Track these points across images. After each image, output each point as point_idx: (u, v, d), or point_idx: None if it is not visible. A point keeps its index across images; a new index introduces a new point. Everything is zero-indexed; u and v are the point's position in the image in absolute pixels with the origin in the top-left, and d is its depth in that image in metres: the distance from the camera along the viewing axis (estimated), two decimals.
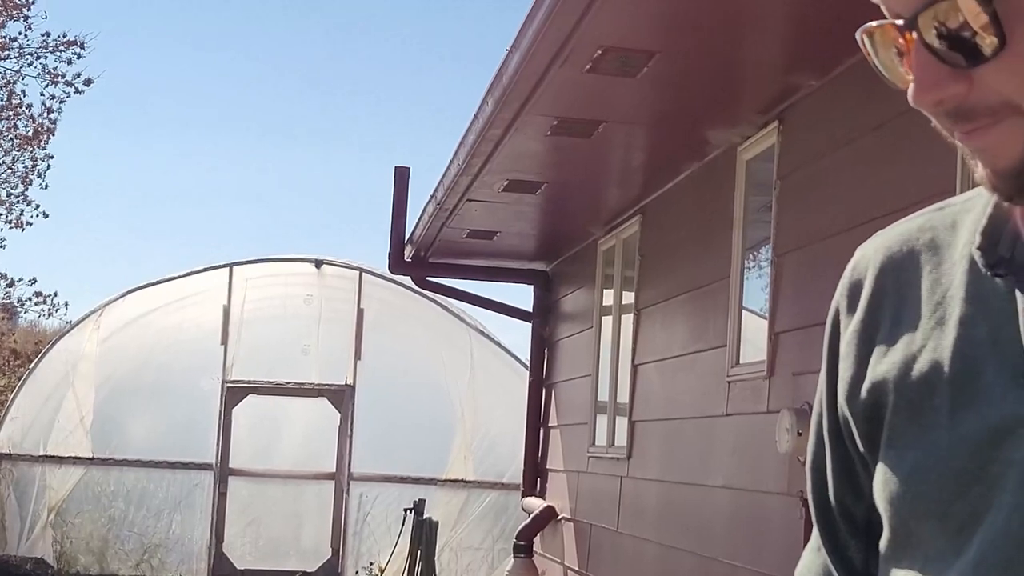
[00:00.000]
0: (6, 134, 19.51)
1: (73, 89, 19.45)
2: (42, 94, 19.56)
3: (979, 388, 1.11)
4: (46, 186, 19.99)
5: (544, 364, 10.94)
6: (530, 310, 11.07)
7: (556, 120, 6.34)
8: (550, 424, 10.63)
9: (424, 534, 10.85)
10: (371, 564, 12.39)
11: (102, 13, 35.64)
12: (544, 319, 10.89)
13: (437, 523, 11.13)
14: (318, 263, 13.50)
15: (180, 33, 41.07)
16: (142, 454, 12.89)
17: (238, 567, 12.82)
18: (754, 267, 6.41)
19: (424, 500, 11.31)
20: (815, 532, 1.34)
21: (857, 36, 1.11)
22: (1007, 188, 1.08)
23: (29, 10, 19.25)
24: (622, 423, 8.19)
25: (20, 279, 20.24)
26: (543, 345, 10.97)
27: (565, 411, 10.16)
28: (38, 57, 19.40)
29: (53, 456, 12.79)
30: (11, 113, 19.41)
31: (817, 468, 1.32)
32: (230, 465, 12.93)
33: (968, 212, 1.20)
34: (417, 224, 9.54)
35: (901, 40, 1.08)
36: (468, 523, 12.84)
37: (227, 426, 12.95)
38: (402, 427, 12.94)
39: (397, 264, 10.18)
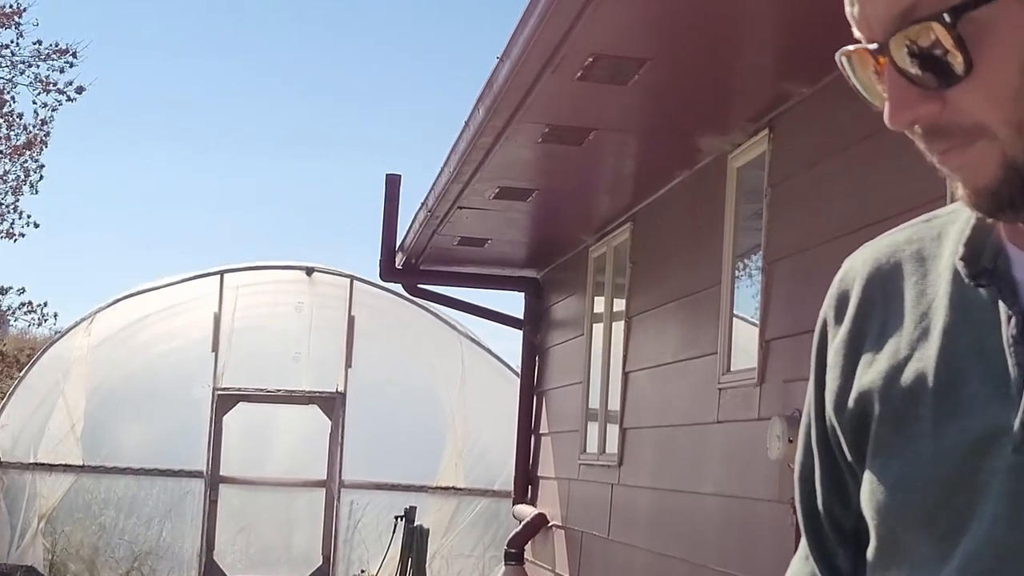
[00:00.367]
0: None
1: (65, 97, 19.44)
2: (34, 102, 19.55)
3: (963, 398, 1.12)
4: (36, 193, 19.98)
5: (535, 371, 10.94)
6: (521, 317, 11.07)
7: (547, 127, 6.35)
8: (541, 431, 10.63)
9: (415, 541, 10.83)
10: (362, 572, 12.37)
11: (92, 22, 35.62)
12: (535, 326, 10.90)
13: (428, 530, 11.12)
14: (309, 271, 13.48)
15: (170, 41, 41.06)
16: (133, 462, 12.85)
17: (229, 575, 12.79)
18: (745, 274, 6.42)
19: (415, 507, 11.29)
20: (803, 541, 1.35)
21: (836, 58, 1.13)
22: (986, 206, 1.10)
23: (20, 17, 19.23)
24: (613, 430, 8.19)
25: (10, 288, 20.23)
26: (534, 352, 10.97)
27: (556, 418, 10.16)
28: (30, 65, 19.38)
29: (44, 464, 12.75)
30: (2, 122, 19.39)
31: (805, 478, 1.33)
32: (221, 473, 12.90)
33: (953, 223, 1.21)
34: (408, 231, 9.54)
35: (875, 63, 1.09)
36: (459, 530, 12.83)
37: (218, 434, 12.92)
38: (393, 434, 12.92)
39: (388, 271, 10.18)
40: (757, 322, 5.91)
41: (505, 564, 10.23)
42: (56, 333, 16.89)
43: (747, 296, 6.30)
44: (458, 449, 12.97)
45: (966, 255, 1.16)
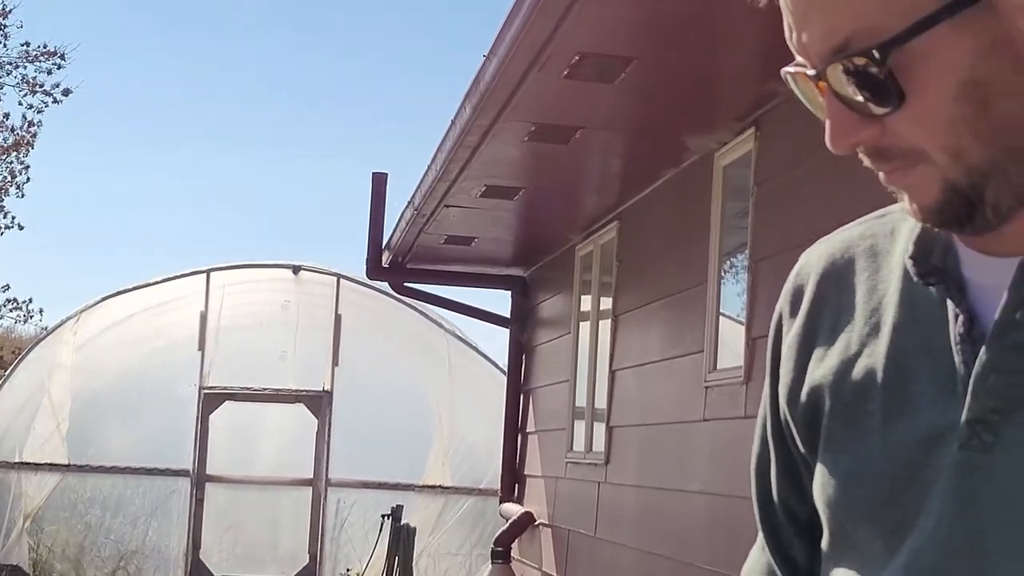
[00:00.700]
0: None
1: (51, 99, 19.38)
2: (20, 103, 19.50)
3: (911, 395, 1.13)
4: (23, 196, 19.92)
5: (522, 370, 10.94)
6: (508, 316, 11.07)
7: (534, 126, 6.35)
8: (528, 430, 10.63)
9: (402, 540, 10.83)
10: (349, 570, 12.36)
11: (80, 25, 35.54)
12: (522, 325, 10.90)
13: (415, 529, 11.12)
14: (295, 269, 13.47)
15: (156, 42, 40.98)
16: (118, 461, 12.83)
17: (215, 574, 12.77)
18: (731, 273, 6.43)
19: (402, 506, 11.29)
20: (760, 532, 1.36)
21: (781, 73, 1.15)
22: (932, 222, 1.12)
23: (5, 19, 19.18)
24: (600, 429, 8.20)
25: None
26: (521, 351, 10.97)
27: (543, 417, 10.16)
28: (16, 66, 19.33)
29: (29, 463, 12.72)
30: None
31: (761, 470, 1.35)
32: (207, 471, 12.88)
33: (906, 220, 1.22)
34: (395, 230, 9.54)
35: (816, 86, 1.11)
36: (446, 529, 12.83)
37: (204, 432, 12.90)
38: (380, 433, 12.91)
39: (375, 270, 10.17)
40: (743, 320, 5.92)
41: (492, 563, 10.23)
42: (43, 330, 16.85)
43: (733, 294, 6.31)
44: (445, 447, 12.97)
45: (915, 253, 1.17)
